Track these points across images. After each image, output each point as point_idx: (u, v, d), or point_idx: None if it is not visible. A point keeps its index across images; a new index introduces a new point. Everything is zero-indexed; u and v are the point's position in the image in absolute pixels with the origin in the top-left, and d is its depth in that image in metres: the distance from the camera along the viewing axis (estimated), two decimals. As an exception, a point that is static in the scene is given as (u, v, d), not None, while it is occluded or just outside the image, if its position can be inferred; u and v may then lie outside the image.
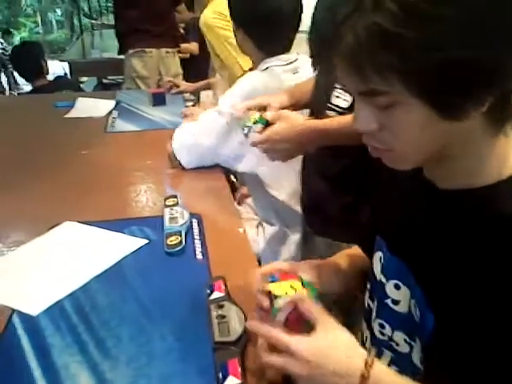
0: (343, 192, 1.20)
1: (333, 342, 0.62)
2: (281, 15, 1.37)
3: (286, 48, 1.44)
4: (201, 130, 1.42)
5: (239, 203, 1.74)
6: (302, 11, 1.40)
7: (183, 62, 4.06)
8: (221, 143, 1.39)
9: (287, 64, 1.42)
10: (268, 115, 1.07)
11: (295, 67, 1.43)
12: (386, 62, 0.49)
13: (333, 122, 1.05)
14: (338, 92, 1.11)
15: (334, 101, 1.11)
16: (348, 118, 0.99)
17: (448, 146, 0.58)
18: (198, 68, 4.27)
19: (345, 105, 1.09)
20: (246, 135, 1.08)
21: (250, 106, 1.13)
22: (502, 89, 0.52)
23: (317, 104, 1.18)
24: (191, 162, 1.43)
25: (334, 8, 0.53)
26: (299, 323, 0.64)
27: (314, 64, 0.61)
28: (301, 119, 1.08)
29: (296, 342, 0.61)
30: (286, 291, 0.68)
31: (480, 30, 0.48)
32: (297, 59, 1.45)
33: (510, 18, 0.49)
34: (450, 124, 0.53)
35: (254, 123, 1.06)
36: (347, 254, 0.89)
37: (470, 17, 0.47)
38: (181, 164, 1.43)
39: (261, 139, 1.06)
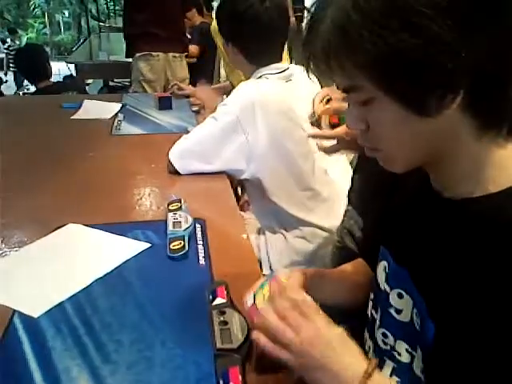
0: None
1: (339, 346, 0.62)
2: (269, 26, 1.38)
3: (277, 58, 1.45)
4: (196, 136, 1.41)
5: (243, 209, 1.74)
6: (289, 19, 1.41)
7: (189, 66, 4.08)
8: (216, 150, 1.38)
9: (279, 72, 1.43)
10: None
11: (287, 75, 1.44)
12: (344, 57, 0.53)
13: None
14: None
15: None
16: None
17: (439, 149, 0.58)
18: (202, 73, 4.29)
19: None
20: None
21: (319, 101, 1.12)
22: (468, 85, 0.52)
23: None
24: (185, 167, 1.42)
25: (310, 10, 0.57)
26: None
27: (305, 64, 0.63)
28: None
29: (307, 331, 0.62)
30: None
31: (410, 22, 0.49)
32: (288, 68, 1.45)
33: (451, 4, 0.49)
34: (428, 123, 0.54)
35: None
36: (346, 267, 0.90)
37: (398, 5, 0.49)
38: (175, 169, 1.42)
39: (333, 134, 1.04)
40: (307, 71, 0.61)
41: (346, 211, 1.32)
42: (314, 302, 0.66)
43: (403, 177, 0.64)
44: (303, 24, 0.67)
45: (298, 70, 1.51)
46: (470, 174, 0.59)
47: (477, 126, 0.56)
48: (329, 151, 1.11)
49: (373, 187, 1.17)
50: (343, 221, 1.31)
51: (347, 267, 0.90)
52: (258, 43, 1.40)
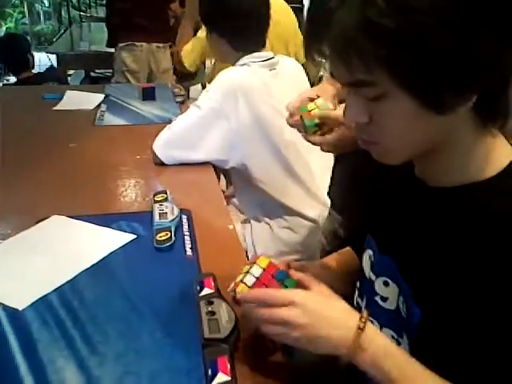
0: None
1: (330, 301, 0.65)
2: (253, 12, 1.39)
3: (261, 45, 1.44)
4: (179, 126, 1.40)
5: (227, 203, 1.73)
6: (270, 7, 1.41)
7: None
8: (200, 138, 1.37)
9: (263, 60, 1.42)
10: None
11: (271, 64, 1.44)
12: (371, 53, 0.51)
13: None
14: None
15: None
16: None
17: (436, 141, 0.58)
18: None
19: None
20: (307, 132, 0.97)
21: (302, 100, 1.05)
22: (486, 85, 0.52)
23: None
24: (168, 157, 1.40)
25: (324, 0, 0.54)
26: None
27: (305, 55, 0.62)
28: None
29: (297, 294, 0.64)
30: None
31: (459, 23, 0.48)
32: (273, 57, 1.45)
33: (490, 12, 0.49)
34: (438, 119, 0.54)
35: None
36: (336, 256, 0.90)
37: (449, 9, 0.48)
38: (160, 160, 1.41)
39: (326, 141, 0.96)
40: (307, 58, 0.59)
41: (330, 213, 1.32)
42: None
43: (387, 166, 0.64)
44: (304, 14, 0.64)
45: (285, 61, 1.50)
46: (460, 164, 0.60)
47: (479, 120, 0.57)
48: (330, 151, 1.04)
49: (353, 178, 1.17)
50: (328, 222, 1.31)
51: (335, 257, 0.91)
52: (243, 29, 1.40)
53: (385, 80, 0.53)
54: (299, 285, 0.69)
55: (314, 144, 0.98)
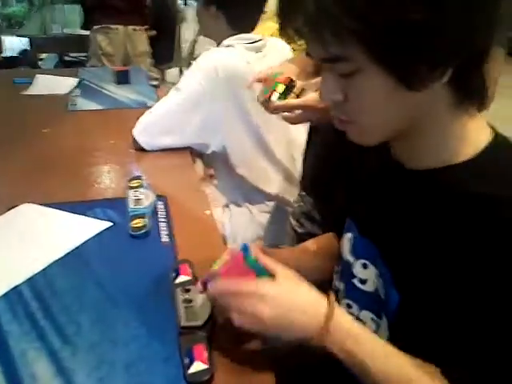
0: None
1: (296, 287, 0.64)
2: None
3: (251, 28, 1.41)
4: (159, 110, 1.37)
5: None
6: None
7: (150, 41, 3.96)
8: (181, 122, 1.34)
9: (250, 43, 1.39)
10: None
11: (258, 46, 1.41)
12: (344, 26, 0.50)
13: None
14: None
15: None
16: None
17: (413, 121, 0.58)
18: (163, 46, 4.18)
19: None
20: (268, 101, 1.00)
21: (266, 74, 1.06)
22: (459, 60, 0.52)
23: None
24: (149, 142, 1.38)
25: None
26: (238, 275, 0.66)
27: (280, 32, 0.60)
28: None
29: (262, 284, 0.63)
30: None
31: None
32: (261, 39, 1.42)
33: None
34: (413, 95, 0.54)
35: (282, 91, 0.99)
36: (317, 240, 0.90)
37: None
38: (140, 145, 1.38)
39: (301, 102, 0.98)
40: (282, 34, 0.58)
41: (301, 196, 1.31)
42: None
43: (363, 148, 0.63)
44: None
45: (274, 43, 1.47)
46: (438, 145, 0.59)
47: (456, 98, 0.56)
48: (293, 121, 1.06)
49: (327, 160, 1.16)
50: (299, 206, 1.30)
51: (315, 242, 0.90)
52: (244, 7, 1.36)
53: (358, 54, 0.52)
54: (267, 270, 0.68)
55: (281, 110, 0.98)
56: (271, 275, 0.66)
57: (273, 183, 1.45)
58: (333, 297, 0.62)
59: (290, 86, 1.00)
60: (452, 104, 0.56)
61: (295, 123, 1.08)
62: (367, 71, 0.53)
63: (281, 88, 0.99)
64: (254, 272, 0.67)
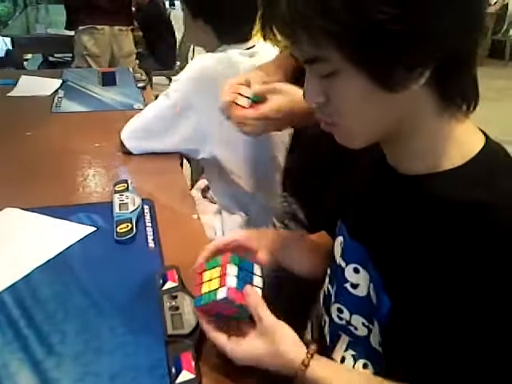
0: None
1: (269, 351, 0.63)
2: (243, 1, 1.30)
3: (246, 39, 1.38)
4: (147, 115, 1.35)
5: (205, 195, 1.69)
6: None
7: (148, 39, 3.97)
8: (168, 128, 1.32)
9: (246, 49, 1.37)
10: (257, 89, 0.98)
11: (253, 52, 1.39)
12: (317, 26, 0.50)
13: None
14: None
15: None
16: None
17: (400, 124, 0.57)
18: (165, 45, 4.19)
19: None
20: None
21: (234, 84, 1.04)
22: (436, 61, 0.52)
23: None
24: (136, 147, 1.35)
25: None
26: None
27: (262, 34, 0.59)
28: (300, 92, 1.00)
29: (232, 345, 0.64)
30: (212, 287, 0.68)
31: None
32: (254, 45, 1.40)
33: None
34: (393, 97, 0.53)
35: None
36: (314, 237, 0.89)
37: None
38: (128, 150, 1.35)
39: (258, 115, 0.96)
40: (265, 37, 0.57)
41: (283, 196, 1.30)
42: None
43: (355, 152, 0.63)
44: None
45: (265, 49, 1.44)
46: (427, 150, 0.59)
47: (439, 101, 0.56)
48: (255, 133, 1.03)
49: (314, 164, 1.15)
50: (283, 206, 1.29)
51: (314, 238, 0.89)
52: (233, 21, 1.33)
53: (334, 55, 0.52)
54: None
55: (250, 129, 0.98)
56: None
57: (265, 191, 1.44)
58: (311, 351, 0.62)
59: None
60: (436, 107, 0.56)
61: (257, 135, 1.07)
62: (344, 72, 0.53)
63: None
64: (236, 311, 0.67)
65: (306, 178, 1.21)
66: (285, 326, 0.64)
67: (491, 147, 0.59)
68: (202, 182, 1.75)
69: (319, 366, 0.61)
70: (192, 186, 1.77)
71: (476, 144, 0.58)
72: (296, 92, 0.96)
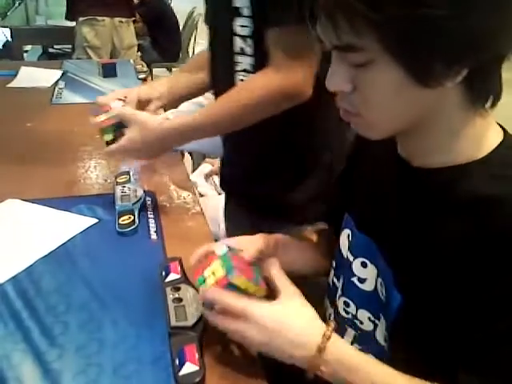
0: None
1: (294, 312, 0.61)
2: None
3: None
4: None
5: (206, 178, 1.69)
6: None
7: (152, 31, 3.95)
8: None
9: None
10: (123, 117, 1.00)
11: None
12: (362, 15, 0.48)
13: (193, 117, 0.95)
14: None
15: None
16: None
17: (422, 118, 0.56)
18: (169, 38, 4.17)
19: None
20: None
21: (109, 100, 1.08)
22: (477, 61, 0.50)
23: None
24: None
25: None
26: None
27: (297, 15, 0.58)
28: (157, 121, 0.98)
29: (254, 306, 0.61)
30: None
31: None
32: None
33: None
34: (424, 92, 0.52)
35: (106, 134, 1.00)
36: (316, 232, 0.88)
37: None
38: None
39: (116, 149, 0.99)
40: (303, 19, 0.55)
41: None
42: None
43: (368, 141, 0.61)
44: None
45: None
46: (446, 144, 0.57)
47: (467, 99, 0.54)
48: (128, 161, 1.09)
49: None
50: None
51: (314, 233, 0.88)
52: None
53: (373, 45, 0.50)
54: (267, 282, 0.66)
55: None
56: (260, 289, 0.65)
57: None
58: (331, 327, 0.60)
59: (118, 125, 1.00)
60: (463, 104, 0.55)
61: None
62: (380, 63, 0.51)
63: (107, 137, 1.01)
64: (252, 273, 0.66)
65: None
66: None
67: (510, 142, 0.58)
68: (205, 167, 1.75)
69: (341, 341, 0.61)
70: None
71: (494, 138, 0.57)
72: (151, 121, 0.97)
